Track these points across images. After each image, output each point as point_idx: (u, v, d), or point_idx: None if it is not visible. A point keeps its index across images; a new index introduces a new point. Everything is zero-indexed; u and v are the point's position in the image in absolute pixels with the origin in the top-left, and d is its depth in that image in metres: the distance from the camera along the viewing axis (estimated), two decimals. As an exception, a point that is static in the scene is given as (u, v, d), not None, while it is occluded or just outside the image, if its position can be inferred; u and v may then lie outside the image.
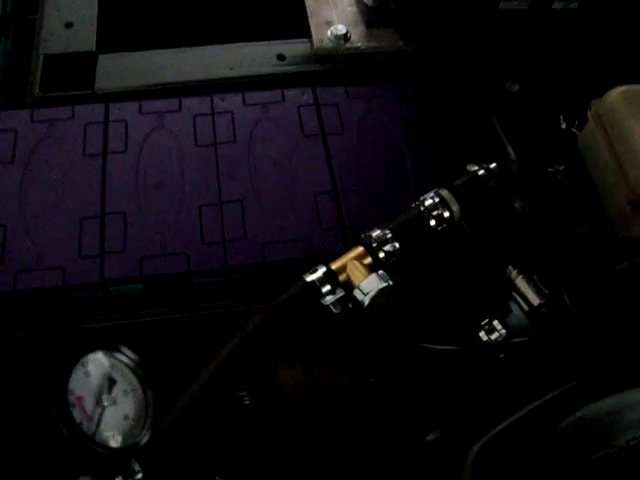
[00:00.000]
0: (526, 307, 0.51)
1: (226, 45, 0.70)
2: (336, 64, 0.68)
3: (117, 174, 0.59)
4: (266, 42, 0.70)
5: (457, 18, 0.65)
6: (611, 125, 0.47)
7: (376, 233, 0.52)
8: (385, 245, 0.51)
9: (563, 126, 0.60)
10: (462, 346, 0.50)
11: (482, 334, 0.50)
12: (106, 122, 0.62)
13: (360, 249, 0.52)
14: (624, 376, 0.45)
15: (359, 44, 0.68)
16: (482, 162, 0.56)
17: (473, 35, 0.67)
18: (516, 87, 0.68)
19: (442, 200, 0.53)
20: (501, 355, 0.50)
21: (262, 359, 0.52)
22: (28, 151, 0.61)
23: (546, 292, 0.51)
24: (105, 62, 0.68)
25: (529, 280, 0.51)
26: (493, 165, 0.55)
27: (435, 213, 0.52)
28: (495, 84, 0.67)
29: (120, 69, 0.68)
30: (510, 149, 0.56)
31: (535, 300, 0.51)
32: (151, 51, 0.69)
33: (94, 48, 0.69)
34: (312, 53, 0.68)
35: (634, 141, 0.45)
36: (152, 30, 0.76)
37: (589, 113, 0.50)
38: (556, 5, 0.67)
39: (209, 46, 0.70)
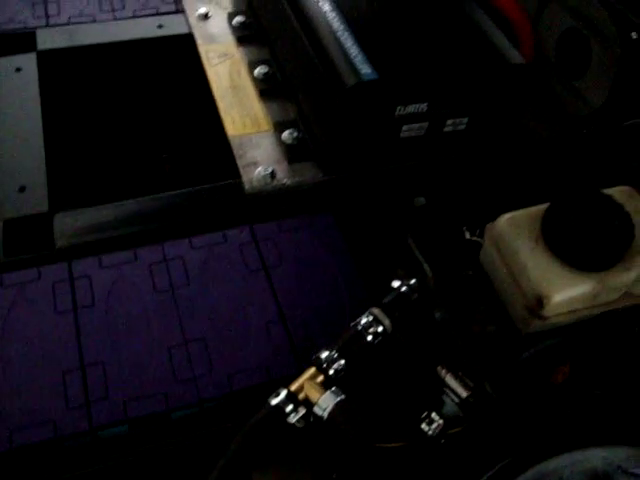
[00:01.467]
0: (457, 399, 0.63)
1: (170, 193, 0.81)
2: (267, 201, 0.81)
3: (89, 326, 0.69)
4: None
5: (367, 150, 0.79)
6: (502, 246, 0.60)
7: (324, 354, 0.64)
8: (333, 364, 0.63)
9: (467, 236, 0.73)
10: (409, 440, 0.61)
11: (424, 426, 0.62)
12: (71, 279, 0.73)
13: (313, 369, 0.63)
14: (541, 449, 0.58)
15: (285, 180, 0.81)
16: (404, 278, 0.69)
17: (381, 161, 0.81)
18: (422, 201, 0.82)
19: (375, 317, 0.65)
20: (442, 441, 0.62)
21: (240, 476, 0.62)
22: (3, 315, 0.70)
23: (471, 385, 0.63)
24: (61, 220, 0.78)
25: (456, 376, 0.64)
26: (413, 281, 0.68)
27: (371, 330, 0.64)
28: (405, 201, 0.81)
29: (76, 225, 0.78)
30: (426, 266, 0.69)
31: (463, 393, 0.63)
32: (104, 205, 0.79)
33: (47, 208, 0.79)
34: (245, 193, 0.80)
35: (521, 259, 0.59)
36: (103, 185, 0.87)
37: (485, 235, 0.64)
38: (447, 128, 0.82)
39: (155, 195, 0.81)
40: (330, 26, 0.78)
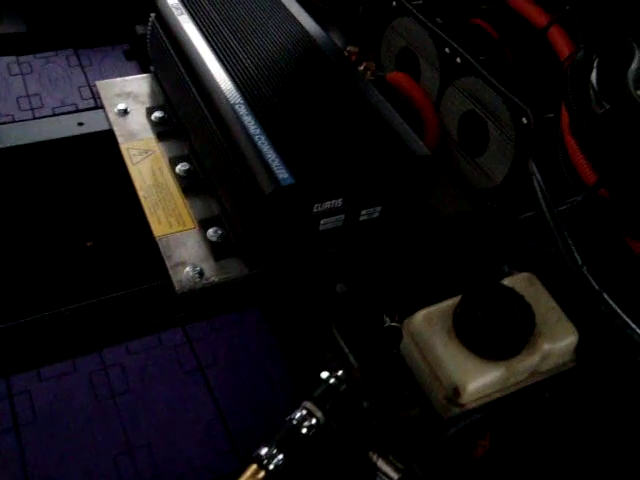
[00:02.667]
0: (389, 481, 0.70)
1: (102, 298, 0.86)
2: (198, 300, 0.86)
3: (33, 443, 0.73)
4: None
5: (288, 245, 0.86)
6: (419, 342, 0.68)
7: (264, 451, 0.69)
8: (273, 459, 0.69)
9: (387, 323, 0.81)
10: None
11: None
12: (10, 395, 0.76)
13: (254, 467, 0.69)
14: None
15: (212, 278, 0.87)
16: (333, 366, 0.76)
17: (303, 253, 0.88)
18: (343, 287, 0.89)
19: (308, 411, 0.71)
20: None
21: None
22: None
23: (401, 467, 0.70)
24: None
25: (387, 460, 0.71)
26: (340, 372, 0.74)
27: (305, 423, 0.71)
28: (328, 290, 0.88)
29: (11, 339, 0.82)
30: (351, 357, 0.76)
31: (394, 475, 0.70)
32: (39, 315, 0.84)
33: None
34: (176, 294, 0.86)
35: (437, 354, 0.66)
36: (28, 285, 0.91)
37: (403, 331, 0.71)
38: (363, 217, 0.90)
39: (88, 301, 0.86)
40: (246, 129, 0.85)
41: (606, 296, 0.69)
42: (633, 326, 0.67)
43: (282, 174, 0.79)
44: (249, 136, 0.83)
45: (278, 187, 0.77)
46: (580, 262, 0.71)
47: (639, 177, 0.81)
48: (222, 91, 0.90)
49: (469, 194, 1.04)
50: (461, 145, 1.07)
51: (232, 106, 0.87)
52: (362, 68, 1.14)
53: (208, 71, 0.93)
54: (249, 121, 0.85)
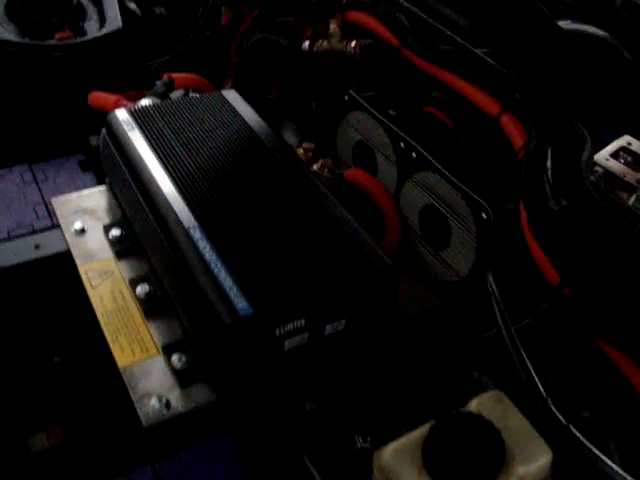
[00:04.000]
0: None
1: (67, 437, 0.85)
2: (166, 432, 0.85)
3: None
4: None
5: (253, 369, 0.86)
6: (390, 476, 0.68)
7: None
8: None
9: (358, 444, 0.81)
10: None
11: None
12: None
13: None
14: None
15: (180, 408, 0.86)
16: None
17: (270, 374, 0.88)
18: (314, 405, 0.89)
19: None
20: None
21: None
22: None
23: None
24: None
25: None
26: None
27: None
28: (298, 408, 0.87)
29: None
30: None
31: None
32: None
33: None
34: (142, 428, 0.85)
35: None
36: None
37: (373, 464, 0.71)
38: (327, 331, 0.90)
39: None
40: (201, 255, 0.85)
41: (574, 430, 0.69)
42: (605, 460, 0.67)
43: (241, 303, 0.79)
44: (205, 263, 0.84)
45: (237, 318, 0.77)
46: (544, 395, 0.71)
47: (602, 276, 0.82)
48: (175, 213, 0.90)
49: (435, 288, 1.05)
50: (424, 238, 1.08)
51: (186, 230, 0.88)
52: (319, 165, 1.15)
53: (160, 191, 0.94)
54: (204, 246, 0.86)
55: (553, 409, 0.70)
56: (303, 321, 0.83)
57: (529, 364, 0.75)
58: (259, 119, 1.08)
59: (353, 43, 1.27)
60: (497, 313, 0.80)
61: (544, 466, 0.71)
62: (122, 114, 1.09)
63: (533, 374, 0.74)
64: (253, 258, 0.85)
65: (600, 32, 1.21)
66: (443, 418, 0.67)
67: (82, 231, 1.09)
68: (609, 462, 0.67)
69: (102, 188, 1.17)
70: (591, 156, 0.96)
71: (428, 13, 1.52)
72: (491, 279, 0.85)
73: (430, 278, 1.08)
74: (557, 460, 0.70)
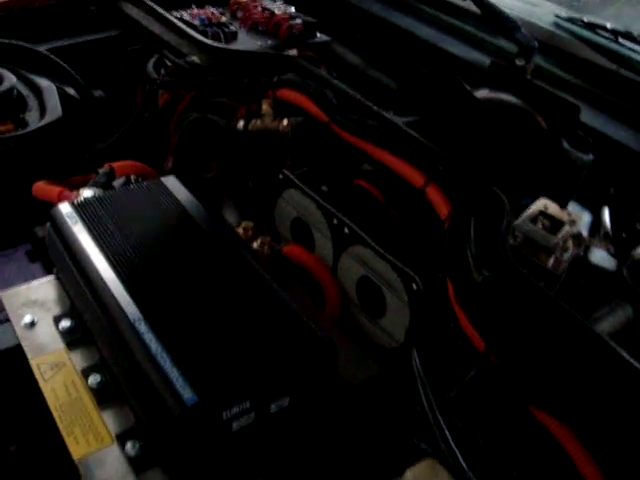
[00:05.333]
0: None
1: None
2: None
3: None
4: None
5: (201, 451, 0.91)
6: None
7: None
8: None
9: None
10: None
11: None
12: None
13: None
14: None
15: (135, 496, 0.91)
16: None
17: (218, 456, 0.93)
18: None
19: None
20: None
21: None
22: None
23: None
24: None
25: None
26: None
27: None
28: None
29: None
30: None
31: None
32: None
33: None
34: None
35: None
36: None
37: None
38: (273, 409, 0.96)
39: None
40: (147, 347, 0.91)
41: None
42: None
43: (187, 393, 0.85)
44: (151, 355, 0.89)
45: (184, 408, 0.83)
46: (465, 468, 0.77)
47: (526, 345, 0.90)
48: (121, 307, 0.96)
49: (375, 355, 1.11)
50: (362, 308, 1.15)
51: (132, 324, 0.93)
52: (258, 243, 1.22)
53: (106, 285, 0.99)
54: (149, 339, 0.91)
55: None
56: (248, 403, 0.89)
57: (449, 438, 0.82)
58: (198, 204, 1.15)
59: (285, 121, 1.35)
60: (420, 390, 0.87)
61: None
62: (65, 208, 1.14)
63: (454, 448, 0.80)
64: (196, 346, 0.91)
65: (515, 100, 1.31)
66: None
67: (32, 324, 1.13)
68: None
69: (50, 278, 1.21)
70: (510, 224, 1.04)
71: (360, 78, 1.63)
72: (416, 357, 0.92)
73: (371, 345, 1.15)
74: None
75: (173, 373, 0.87)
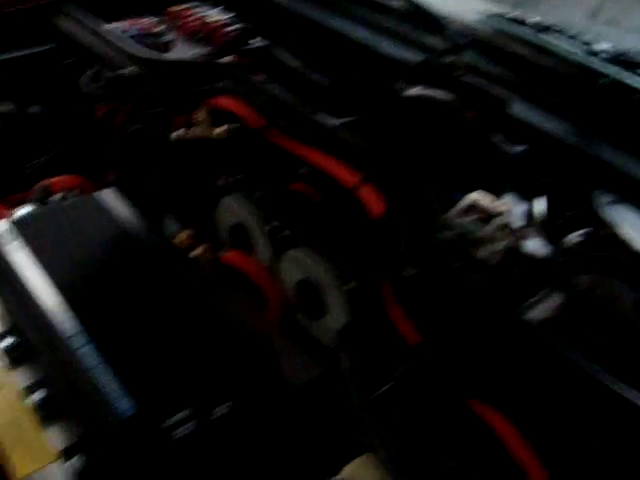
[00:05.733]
0: None
1: None
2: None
3: None
4: None
5: (145, 459, 0.92)
6: None
7: None
8: None
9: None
10: None
11: None
12: None
13: None
14: None
15: (81, 509, 0.91)
16: None
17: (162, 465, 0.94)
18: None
19: None
20: None
21: None
22: None
23: None
24: None
25: None
26: None
27: None
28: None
29: None
30: None
31: None
32: None
33: None
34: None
35: None
36: None
37: None
38: (215, 416, 0.97)
39: None
40: (86, 360, 0.92)
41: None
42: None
43: (125, 404, 0.86)
44: (90, 368, 0.90)
45: (122, 419, 0.84)
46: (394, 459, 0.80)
47: (459, 337, 0.92)
48: (61, 321, 0.97)
49: (318, 356, 1.13)
50: (303, 309, 1.17)
51: (71, 337, 0.94)
52: (199, 250, 1.23)
53: (45, 301, 1.00)
54: (89, 351, 0.92)
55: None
56: (188, 411, 0.91)
57: (379, 432, 0.84)
58: (135, 216, 1.16)
59: (221, 128, 1.36)
60: (351, 389, 0.89)
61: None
62: (3, 226, 1.15)
63: (384, 441, 0.83)
64: (136, 358, 0.92)
65: (445, 96, 1.34)
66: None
67: (-27, 344, 1.13)
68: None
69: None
70: (439, 219, 1.07)
71: (301, 80, 1.64)
72: (344, 357, 0.94)
73: (314, 345, 1.17)
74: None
75: (112, 385, 0.89)
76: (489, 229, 1.09)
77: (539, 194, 1.30)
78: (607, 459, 0.83)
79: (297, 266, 1.14)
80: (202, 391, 0.92)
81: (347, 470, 0.82)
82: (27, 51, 1.70)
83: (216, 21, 1.71)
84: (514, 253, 1.18)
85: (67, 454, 0.97)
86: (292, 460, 0.96)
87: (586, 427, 0.84)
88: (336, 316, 1.11)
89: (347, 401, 0.94)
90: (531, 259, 1.18)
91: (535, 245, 1.20)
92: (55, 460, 0.97)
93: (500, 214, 1.13)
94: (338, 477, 0.81)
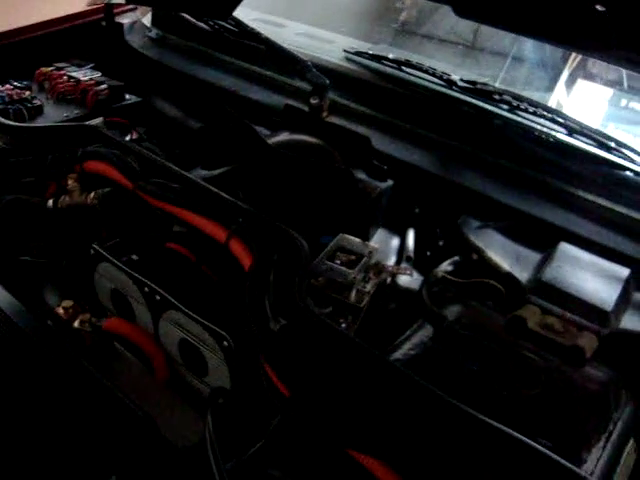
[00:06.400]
0: None
1: None
2: None
3: None
4: None
5: None
6: None
7: None
8: None
9: None
10: None
11: None
12: None
13: None
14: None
15: None
16: None
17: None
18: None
19: None
20: None
21: None
22: None
23: None
24: None
25: None
26: None
27: None
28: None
29: None
30: None
31: None
32: None
33: None
34: None
35: None
36: None
37: None
38: None
39: None
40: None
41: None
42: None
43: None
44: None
45: None
46: None
47: (328, 386, 0.93)
48: None
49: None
50: (188, 368, 1.18)
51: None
52: (79, 321, 1.22)
53: None
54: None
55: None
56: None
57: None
58: (7, 295, 1.14)
59: (92, 194, 1.36)
60: (210, 457, 0.90)
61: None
62: None
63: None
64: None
65: (314, 140, 1.37)
66: None
67: None
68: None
69: None
70: (305, 269, 1.09)
71: (181, 129, 1.65)
72: (209, 421, 0.95)
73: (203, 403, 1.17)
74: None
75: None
76: (355, 271, 1.11)
77: (408, 226, 1.34)
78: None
79: (175, 327, 1.15)
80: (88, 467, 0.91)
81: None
82: None
83: (87, 81, 1.70)
84: (389, 289, 1.22)
85: None
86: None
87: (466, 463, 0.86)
88: (218, 374, 1.11)
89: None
90: (405, 292, 1.21)
91: (409, 279, 1.24)
92: None
93: (368, 254, 1.16)
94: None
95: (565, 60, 2.16)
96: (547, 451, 0.84)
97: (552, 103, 1.96)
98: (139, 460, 0.99)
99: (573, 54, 2.01)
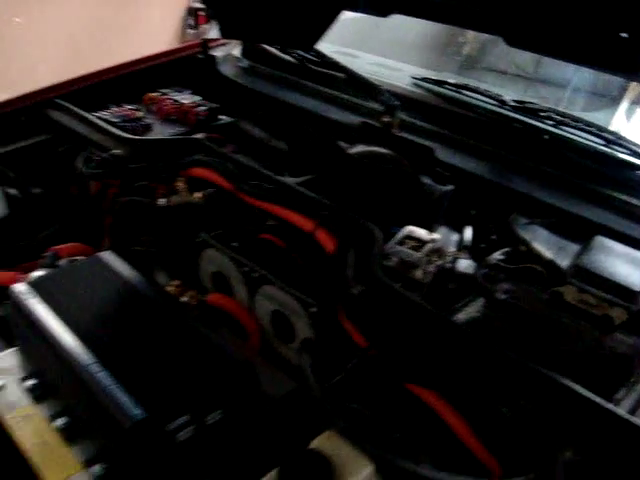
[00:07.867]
0: None
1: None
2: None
3: None
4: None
5: (153, 462, 1.14)
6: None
7: None
8: None
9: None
10: None
11: None
12: None
13: None
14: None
15: (105, 505, 1.12)
16: None
17: (165, 467, 1.16)
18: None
19: None
20: None
21: None
22: None
23: None
24: None
25: None
26: None
27: None
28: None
29: None
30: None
31: None
32: None
33: None
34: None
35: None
36: None
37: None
38: (209, 421, 1.19)
39: None
40: (101, 382, 1.14)
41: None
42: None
43: (135, 410, 1.08)
44: (104, 387, 1.13)
45: (134, 422, 1.06)
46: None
47: (398, 336, 1.16)
48: (77, 356, 1.19)
49: (292, 374, 1.36)
50: (277, 336, 1.41)
51: (87, 366, 1.16)
52: (187, 296, 1.47)
53: (64, 343, 1.22)
54: (103, 375, 1.14)
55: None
56: (187, 417, 1.13)
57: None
58: (133, 271, 1.39)
59: (199, 194, 1.62)
60: (309, 382, 1.13)
61: (368, 475, 1.02)
62: (21, 287, 1.37)
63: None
64: (143, 378, 1.14)
65: (386, 150, 1.61)
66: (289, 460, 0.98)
67: (2, 388, 1.34)
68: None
69: (13, 350, 1.43)
70: (379, 249, 1.32)
71: (266, 148, 1.91)
72: (304, 358, 1.18)
73: (289, 366, 1.41)
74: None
75: (124, 398, 1.10)
76: (421, 253, 1.34)
77: (466, 224, 1.57)
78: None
79: (269, 300, 1.38)
80: (197, 402, 1.13)
81: (315, 443, 1.04)
82: (26, 142, 1.96)
83: (188, 104, 1.98)
84: (448, 272, 1.44)
85: (89, 464, 1.17)
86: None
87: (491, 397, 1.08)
88: (303, 337, 1.34)
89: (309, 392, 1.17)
90: (462, 276, 1.43)
91: (467, 264, 1.46)
92: (79, 471, 1.17)
93: (431, 241, 1.38)
94: (308, 448, 1.04)
95: (624, 90, 2.28)
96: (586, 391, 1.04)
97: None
98: (240, 401, 1.21)
99: (632, 84, 2.15)
